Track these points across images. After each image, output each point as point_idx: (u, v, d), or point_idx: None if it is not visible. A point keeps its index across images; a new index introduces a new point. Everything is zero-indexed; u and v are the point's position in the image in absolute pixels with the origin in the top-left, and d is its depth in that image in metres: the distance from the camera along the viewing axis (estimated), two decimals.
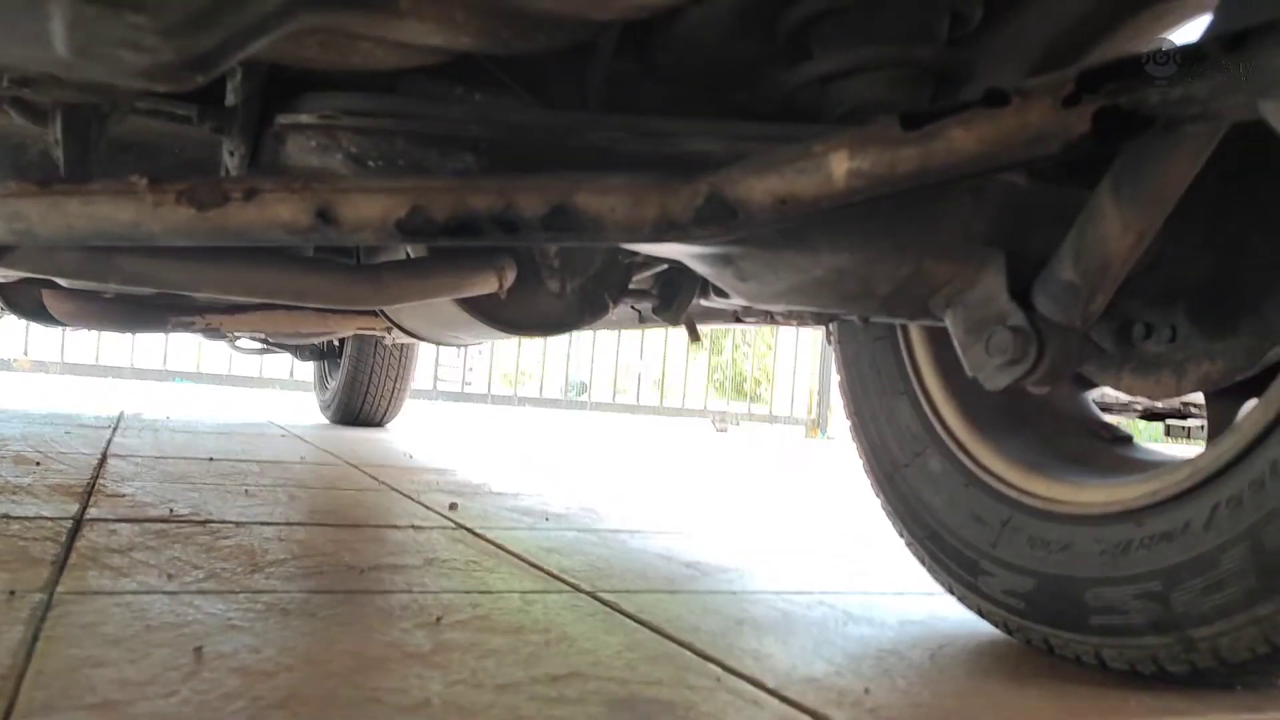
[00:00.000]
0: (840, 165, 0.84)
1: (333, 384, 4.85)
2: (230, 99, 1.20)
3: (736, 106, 1.37)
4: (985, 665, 1.14)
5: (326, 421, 4.90)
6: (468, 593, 1.29)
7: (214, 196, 0.95)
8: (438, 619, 1.14)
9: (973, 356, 1.03)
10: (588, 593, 1.35)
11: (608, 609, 1.27)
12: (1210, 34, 0.72)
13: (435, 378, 9.43)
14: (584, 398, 11.72)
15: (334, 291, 1.33)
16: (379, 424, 4.80)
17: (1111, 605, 1.09)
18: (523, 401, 10.63)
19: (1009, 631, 1.24)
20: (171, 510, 1.77)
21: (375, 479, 2.57)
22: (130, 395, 6.51)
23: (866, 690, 0.99)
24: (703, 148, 1.01)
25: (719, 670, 1.03)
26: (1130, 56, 0.75)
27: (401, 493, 2.32)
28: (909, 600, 1.47)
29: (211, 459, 2.73)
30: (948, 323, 1.06)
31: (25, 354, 8.43)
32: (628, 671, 0.99)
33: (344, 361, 4.63)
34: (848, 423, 1.53)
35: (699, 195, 0.89)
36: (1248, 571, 0.97)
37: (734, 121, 1.04)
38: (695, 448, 5.87)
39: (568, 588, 1.38)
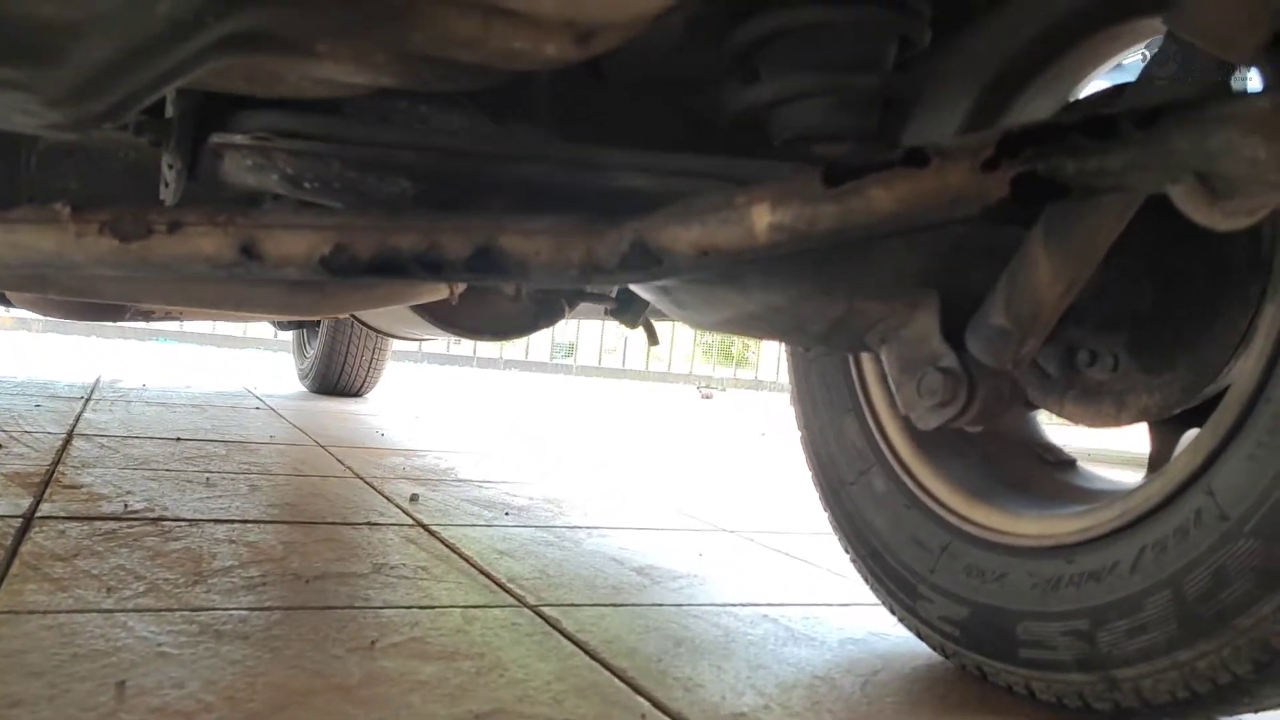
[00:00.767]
0: (761, 219, 0.83)
1: (311, 353, 4.84)
2: (169, 111, 1.18)
3: (694, 113, 1.36)
4: (916, 694, 1.15)
5: (305, 390, 4.90)
6: (409, 608, 1.30)
7: (137, 228, 0.94)
8: (372, 642, 1.14)
9: (905, 395, 1.03)
10: (531, 607, 1.36)
11: (547, 627, 1.27)
12: (1125, 107, 0.70)
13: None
14: (570, 361, 11.71)
15: (277, 302, 1.32)
16: (357, 394, 4.79)
17: (1040, 640, 1.10)
18: (508, 364, 10.63)
19: (945, 655, 1.25)
20: (126, 505, 1.77)
21: (342, 463, 2.57)
22: (110, 357, 6.49)
23: None
24: (634, 184, 1.00)
25: (646, 705, 1.03)
26: (1050, 122, 0.74)
27: (365, 480, 2.32)
28: (853, 614, 1.48)
29: (179, 439, 2.73)
30: (883, 359, 1.06)
31: (7, 310, 8.39)
32: (553, 707, 1.00)
33: (322, 331, 4.61)
34: (798, 435, 1.52)
35: (624, 241, 0.88)
36: (1169, 618, 0.98)
37: (670, 154, 1.02)
38: (677, 417, 5.89)
39: (512, 601, 1.38)
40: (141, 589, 1.27)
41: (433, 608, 1.31)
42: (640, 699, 1.05)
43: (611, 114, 1.37)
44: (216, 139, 1.12)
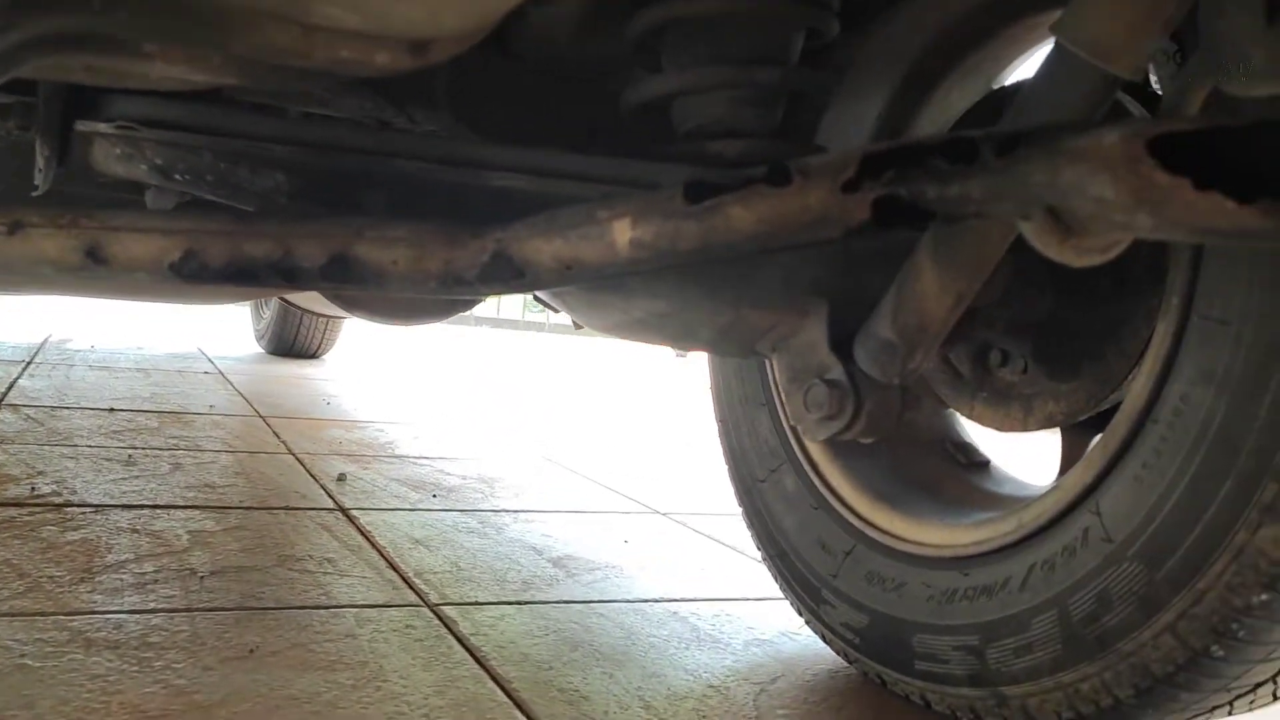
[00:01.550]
0: (623, 234, 0.78)
1: (267, 313, 4.76)
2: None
3: (604, 98, 1.31)
4: (810, 706, 1.13)
5: (261, 352, 4.83)
6: (302, 609, 1.26)
7: None
8: (251, 650, 1.11)
9: (793, 406, 0.99)
10: (433, 606, 1.33)
11: (443, 630, 1.24)
12: (986, 131, 0.66)
13: None
14: (543, 318, 11.61)
15: (161, 289, 1.27)
16: (314, 355, 4.72)
17: (934, 653, 1.08)
18: (480, 321, 10.54)
19: (848, 661, 1.23)
20: (33, 488, 1.72)
21: (278, 436, 2.52)
22: (68, 311, 6.37)
23: None
24: (513, 185, 0.95)
25: None
26: (912, 143, 0.69)
27: (297, 456, 2.28)
28: (767, 610, 1.45)
29: (112, 409, 2.67)
30: (774, 366, 1.03)
31: None
32: None
33: None
34: (716, 427, 1.49)
35: (485, 252, 0.84)
36: (1054, 639, 0.96)
37: (551, 152, 0.98)
38: (644, 378, 5.85)
39: (414, 599, 1.35)
40: (22, 589, 1.23)
41: (328, 608, 1.28)
42: (518, 714, 1.02)
43: (518, 97, 1.32)
44: (81, 126, 1.07)
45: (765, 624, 1.39)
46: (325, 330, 4.63)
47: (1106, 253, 0.67)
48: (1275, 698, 0.94)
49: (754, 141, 1.06)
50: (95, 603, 1.21)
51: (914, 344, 0.92)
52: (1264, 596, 0.82)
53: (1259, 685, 0.91)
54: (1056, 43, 0.81)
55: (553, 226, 0.82)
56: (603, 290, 1.00)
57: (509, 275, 0.84)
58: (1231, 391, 0.82)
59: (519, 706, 1.04)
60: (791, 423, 1.00)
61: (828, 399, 0.96)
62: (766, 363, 1.39)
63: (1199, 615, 0.85)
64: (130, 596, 1.24)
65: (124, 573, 1.33)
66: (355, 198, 1.03)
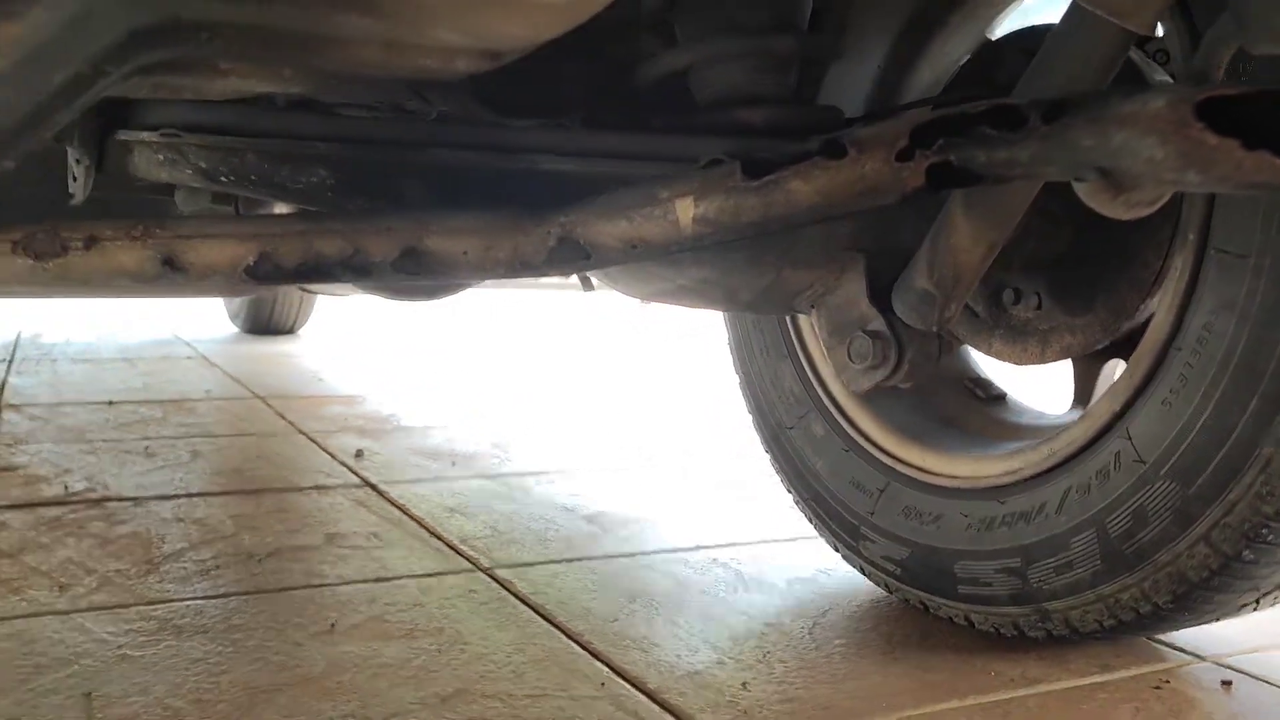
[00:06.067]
0: (686, 213, 0.83)
1: None
2: None
3: (617, 66, 1.34)
4: (863, 635, 1.20)
5: (236, 331, 4.81)
6: (365, 582, 1.32)
7: (51, 246, 0.92)
8: (332, 625, 1.16)
9: (837, 359, 1.05)
10: (485, 570, 1.38)
11: (503, 592, 1.30)
12: (1032, 98, 0.72)
13: None
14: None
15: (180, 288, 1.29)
16: (290, 330, 4.71)
17: (976, 577, 1.15)
18: None
19: (889, 591, 1.30)
20: (66, 487, 1.75)
21: (283, 417, 2.55)
22: (27, 305, 6.28)
23: (744, 685, 1.05)
24: (558, 168, 0.99)
25: (605, 671, 1.07)
26: (959, 111, 0.75)
27: (308, 435, 2.32)
28: (800, 550, 1.52)
29: (111, 402, 2.68)
30: (814, 322, 1.08)
31: None
32: (515, 683, 1.03)
33: None
34: (736, 379, 1.55)
35: (551, 237, 0.89)
36: (1093, 555, 1.03)
37: (590, 132, 1.02)
38: (666, 335, 5.89)
39: (466, 564, 1.41)
40: (94, 584, 1.27)
41: (388, 579, 1.33)
42: (599, 664, 1.09)
43: (536, 64, 1.35)
44: (123, 135, 1.09)
45: (802, 564, 1.47)
46: (300, 305, 4.62)
47: (1153, 205, 0.73)
48: None
49: (776, 108, 1.11)
50: (169, 591, 1.25)
51: (950, 293, 0.98)
52: None
53: None
54: (1074, 3, 0.87)
55: (616, 209, 0.86)
56: (649, 262, 1.05)
57: (576, 257, 0.88)
58: (1253, 320, 0.89)
59: (596, 657, 1.10)
60: (838, 375, 1.06)
61: (871, 350, 1.02)
62: (788, 317, 1.45)
63: (1231, 524, 0.93)
64: (200, 583, 1.29)
65: (185, 561, 1.37)
66: (395, 188, 1.07)
